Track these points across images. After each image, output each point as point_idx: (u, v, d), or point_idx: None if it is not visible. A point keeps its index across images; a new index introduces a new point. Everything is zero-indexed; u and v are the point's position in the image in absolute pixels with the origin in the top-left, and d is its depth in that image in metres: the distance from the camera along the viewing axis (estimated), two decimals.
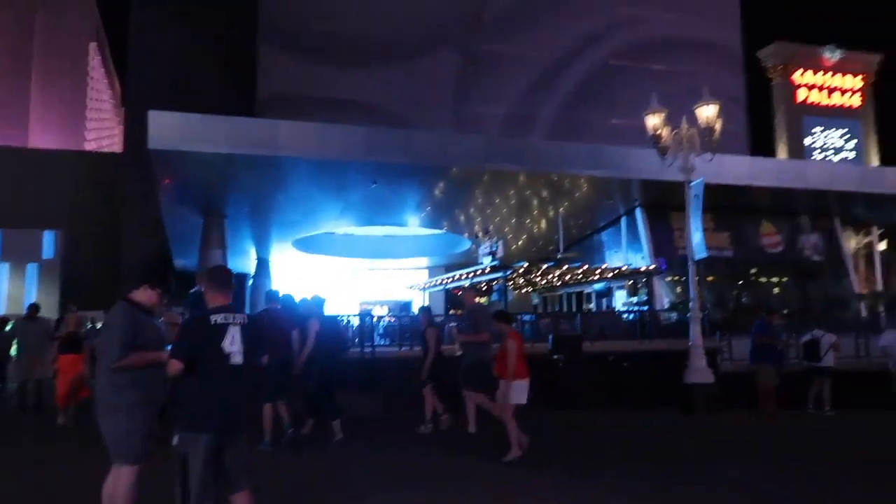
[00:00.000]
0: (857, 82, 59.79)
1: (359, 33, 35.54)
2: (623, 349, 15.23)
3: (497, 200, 24.86)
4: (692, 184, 12.99)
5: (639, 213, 26.22)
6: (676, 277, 25.53)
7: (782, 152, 56.18)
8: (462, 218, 26.61)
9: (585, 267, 24.91)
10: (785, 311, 21.96)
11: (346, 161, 19.50)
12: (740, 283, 27.78)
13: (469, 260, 27.96)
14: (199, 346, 4.11)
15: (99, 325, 13.04)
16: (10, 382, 12.53)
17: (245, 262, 29.38)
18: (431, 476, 6.78)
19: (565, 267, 24.69)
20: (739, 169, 23.72)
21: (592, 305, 28.57)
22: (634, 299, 25.82)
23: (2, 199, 35.47)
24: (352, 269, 31.24)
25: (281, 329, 8.20)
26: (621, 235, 27.38)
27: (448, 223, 27.53)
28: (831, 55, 58.59)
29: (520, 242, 29.67)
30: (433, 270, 32.38)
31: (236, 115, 20.32)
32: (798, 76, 58.56)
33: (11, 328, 12.72)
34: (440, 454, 7.87)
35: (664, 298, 25.17)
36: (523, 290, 31.56)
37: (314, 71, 34.92)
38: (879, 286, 32.31)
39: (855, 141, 59.11)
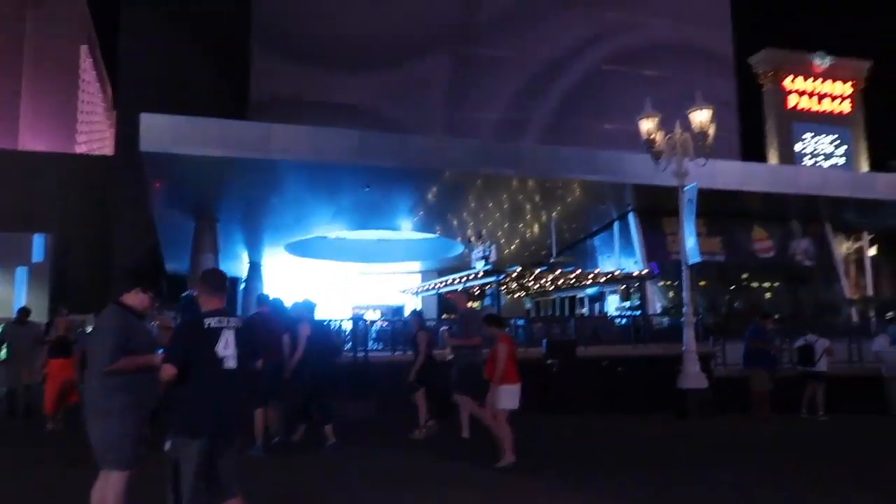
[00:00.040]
0: (846, 89, 60.22)
1: (352, 37, 35.56)
2: (617, 354, 15.19)
3: (490, 205, 24.87)
4: (686, 188, 13.01)
5: (631, 218, 26.27)
6: (669, 282, 25.57)
7: (773, 158, 56.42)
8: (455, 222, 26.59)
9: (578, 271, 24.91)
10: (776, 316, 22.02)
11: (339, 165, 19.47)
12: (732, 288, 27.88)
13: (462, 264, 27.90)
14: (192, 350, 4.05)
15: (89, 329, 12.89)
16: (0, 387, 12.38)
17: (237, 266, 29.25)
18: (424, 481, 6.75)
19: (558, 271, 24.71)
20: (731, 174, 23.79)
21: (585, 310, 28.55)
22: (627, 304, 25.86)
23: None
24: (344, 273, 31.15)
25: (273, 332, 8.16)
26: (614, 240, 27.42)
27: (441, 227, 27.51)
28: (821, 62, 58.98)
29: (513, 247, 29.68)
30: (426, 275, 32.30)
31: (229, 118, 20.27)
32: (789, 82, 58.91)
33: (1, 332, 12.53)
34: (433, 459, 7.82)
35: (656, 303, 25.20)
36: (516, 295, 31.52)
37: (307, 74, 34.92)
38: (870, 291, 32.53)
39: (845, 147, 59.47)
